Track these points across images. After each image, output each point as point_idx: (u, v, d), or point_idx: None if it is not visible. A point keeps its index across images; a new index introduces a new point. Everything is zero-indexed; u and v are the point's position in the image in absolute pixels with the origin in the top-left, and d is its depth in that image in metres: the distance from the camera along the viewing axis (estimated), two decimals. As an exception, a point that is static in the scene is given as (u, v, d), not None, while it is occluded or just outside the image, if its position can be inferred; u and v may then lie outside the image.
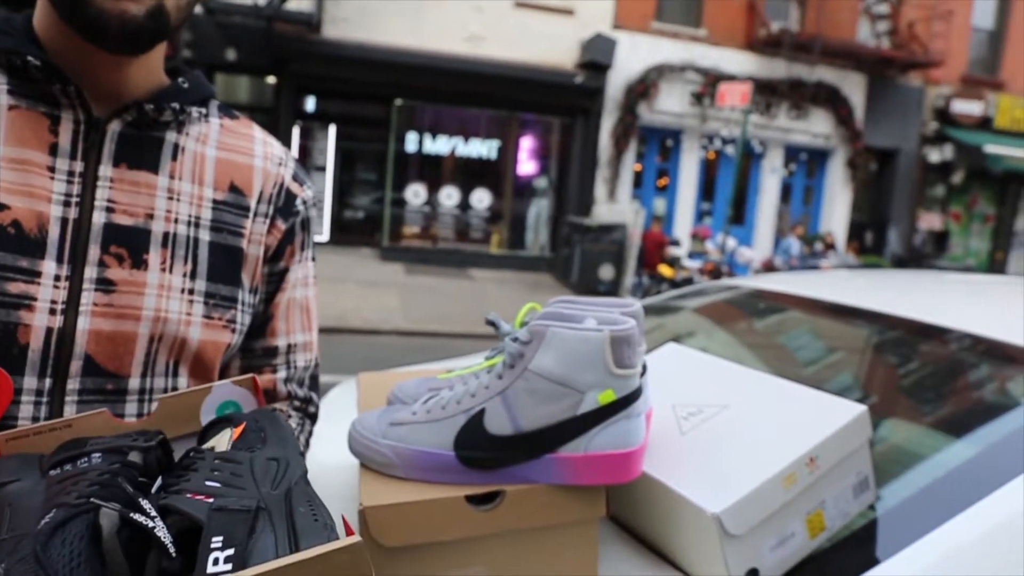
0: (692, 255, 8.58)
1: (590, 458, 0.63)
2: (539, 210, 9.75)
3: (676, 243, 8.15)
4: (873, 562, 0.72)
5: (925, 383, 1.09)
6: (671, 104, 9.43)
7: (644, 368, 0.73)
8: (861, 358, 1.24)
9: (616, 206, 8.92)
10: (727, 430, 0.76)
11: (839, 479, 0.75)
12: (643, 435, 0.66)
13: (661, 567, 0.75)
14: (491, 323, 0.72)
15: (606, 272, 8.07)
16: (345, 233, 9.33)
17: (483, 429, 0.64)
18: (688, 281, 7.27)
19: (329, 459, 1.00)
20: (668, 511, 0.71)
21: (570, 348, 0.62)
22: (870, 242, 10.76)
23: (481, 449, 0.64)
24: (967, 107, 10.62)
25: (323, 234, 9.22)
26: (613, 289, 8.03)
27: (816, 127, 10.08)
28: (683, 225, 9.85)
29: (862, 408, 0.75)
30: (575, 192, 9.37)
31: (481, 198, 9.56)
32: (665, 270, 7.62)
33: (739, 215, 10.20)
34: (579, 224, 8.39)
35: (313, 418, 0.73)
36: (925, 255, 10.88)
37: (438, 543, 0.65)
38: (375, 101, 8.91)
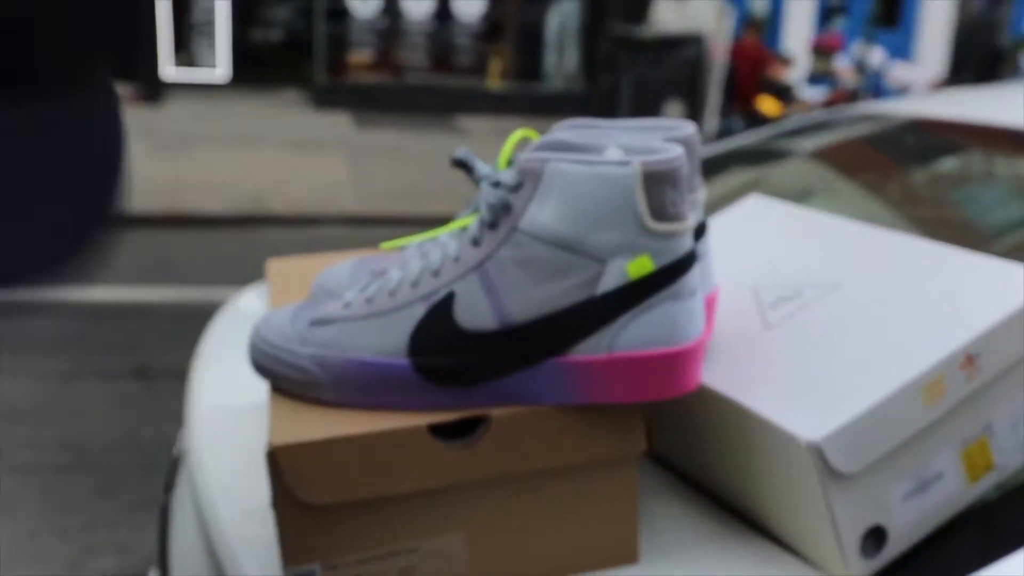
0: (813, 80, 8.40)
1: (617, 361, 0.63)
2: (563, 18, 9.54)
3: (786, 61, 7.97)
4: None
5: None
6: None
7: (703, 228, 0.72)
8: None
9: (686, 5, 8.68)
10: (836, 321, 0.77)
11: (1014, 391, 0.75)
12: (700, 326, 0.65)
13: (731, 528, 0.76)
14: (460, 163, 0.70)
15: (673, 111, 7.97)
16: (255, 67, 9.21)
17: (452, 323, 0.64)
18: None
19: (235, 402, 1.01)
20: (742, 443, 0.72)
21: (581, 192, 0.61)
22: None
23: (450, 353, 0.64)
24: None
25: (219, 69, 9.09)
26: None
27: None
28: (797, 33, 9.61)
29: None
30: (619, -13, 9.13)
31: (470, 2, 9.32)
32: (768, 105, 7.50)
33: (889, 14, 9.92)
34: (629, 38, 8.20)
35: None
36: None
37: (390, 499, 0.65)
38: None
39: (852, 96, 7.43)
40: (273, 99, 8.97)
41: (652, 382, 0.64)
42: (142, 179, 6.30)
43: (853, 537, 0.68)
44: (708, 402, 0.73)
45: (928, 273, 0.80)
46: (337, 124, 8.37)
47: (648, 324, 0.63)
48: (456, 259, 0.65)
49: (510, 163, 0.72)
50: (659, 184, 0.61)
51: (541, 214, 0.62)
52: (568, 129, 0.71)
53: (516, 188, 0.63)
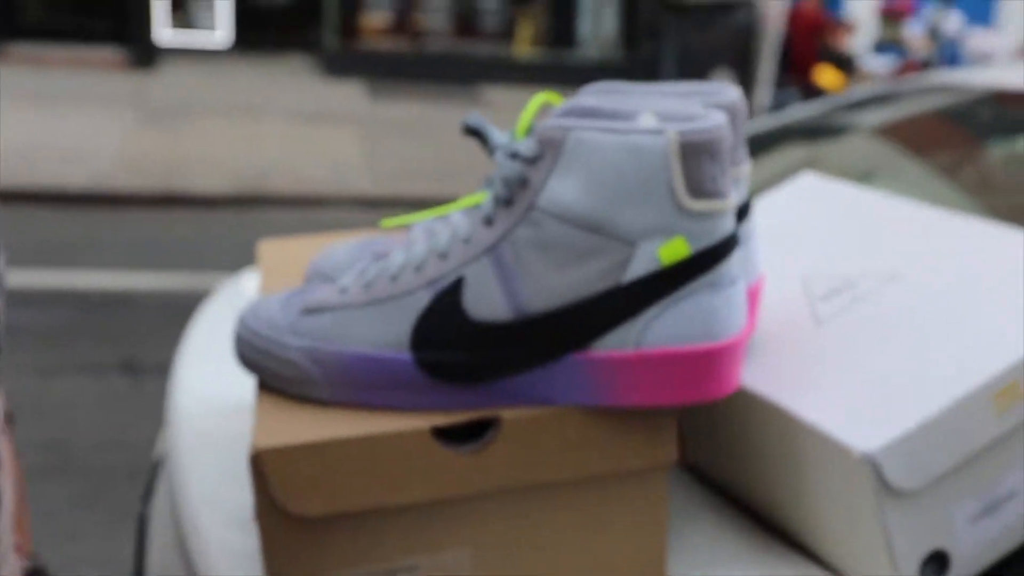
0: (880, 48, 8.34)
1: (646, 358, 0.62)
2: (601, -21, 9.54)
3: (849, 27, 7.93)
4: None
5: None
6: None
7: (746, 208, 0.71)
8: None
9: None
10: (895, 317, 0.76)
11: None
12: (742, 320, 0.64)
13: (769, 547, 0.76)
14: (472, 131, 0.70)
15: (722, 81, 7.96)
16: (259, 31, 9.25)
17: (461, 312, 0.64)
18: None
19: (222, 401, 1.02)
20: (786, 454, 0.71)
21: (608, 165, 0.60)
22: None
23: (457, 347, 0.64)
24: None
25: (219, 32, 9.14)
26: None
27: None
28: (861, -3, 9.54)
29: None
30: (662, -53, 9.12)
31: (495, -37, 9.35)
32: (828, 77, 7.46)
33: None
34: (674, 2, 8.20)
35: None
36: None
37: (388, 511, 0.65)
38: None
39: (924, 67, 7.38)
40: (279, 66, 9.03)
41: (686, 383, 0.63)
42: (132, 154, 6.36)
43: (912, 562, 0.67)
44: (749, 407, 0.73)
45: (1001, 264, 0.79)
46: (349, 95, 8.42)
47: (682, 316, 0.62)
48: (466, 240, 0.65)
49: (529, 132, 0.71)
50: (697, 156, 0.60)
51: (562, 190, 0.61)
52: (597, 94, 0.70)
53: (535, 160, 0.63)
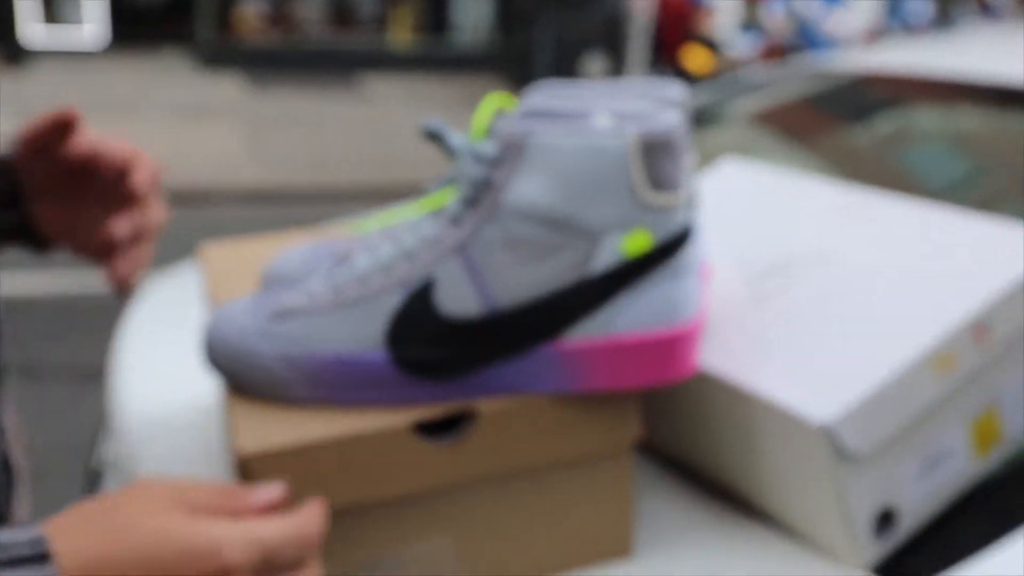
0: (743, 29, 8.51)
1: (614, 345, 0.66)
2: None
3: (709, 12, 8.07)
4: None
5: None
6: None
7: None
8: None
9: (608, -48, 8.73)
10: (832, 293, 0.79)
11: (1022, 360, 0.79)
12: (699, 304, 0.68)
13: (729, 516, 0.80)
14: (433, 135, 0.71)
15: (594, 67, 8.03)
16: (135, 25, 8.98)
17: (433, 311, 0.66)
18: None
19: (168, 405, 1.01)
20: (743, 428, 0.74)
21: (572, 164, 0.63)
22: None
23: (432, 344, 0.66)
24: None
25: (92, 27, 8.85)
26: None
27: None
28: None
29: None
30: (536, -70, 9.13)
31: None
32: (696, 58, 7.58)
33: None
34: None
35: None
36: None
37: (372, 504, 0.67)
38: None
39: (784, 49, 7.52)
40: (154, 61, 8.79)
41: (651, 366, 0.67)
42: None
43: (865, 520, 0.71)
44: (704, 386, 0.76)
45: (926, 239, 0.82)
46: (228, 89, 8.25)
47: (646, 304, 0.65)
48: (434, 241, 0.67)
49: (487, 133, 0.73)
50: (655, 153, 0.63)
51: (526, 189, 0.64)
52: (548, 94, 0.73)
53: (498, 161, 0.65)
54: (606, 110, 0.66)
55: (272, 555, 0.55)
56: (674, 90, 0.72)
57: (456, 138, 0.71)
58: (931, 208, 0.87)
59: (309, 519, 0.59)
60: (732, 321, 0.80)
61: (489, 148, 0.66)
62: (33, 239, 0.84)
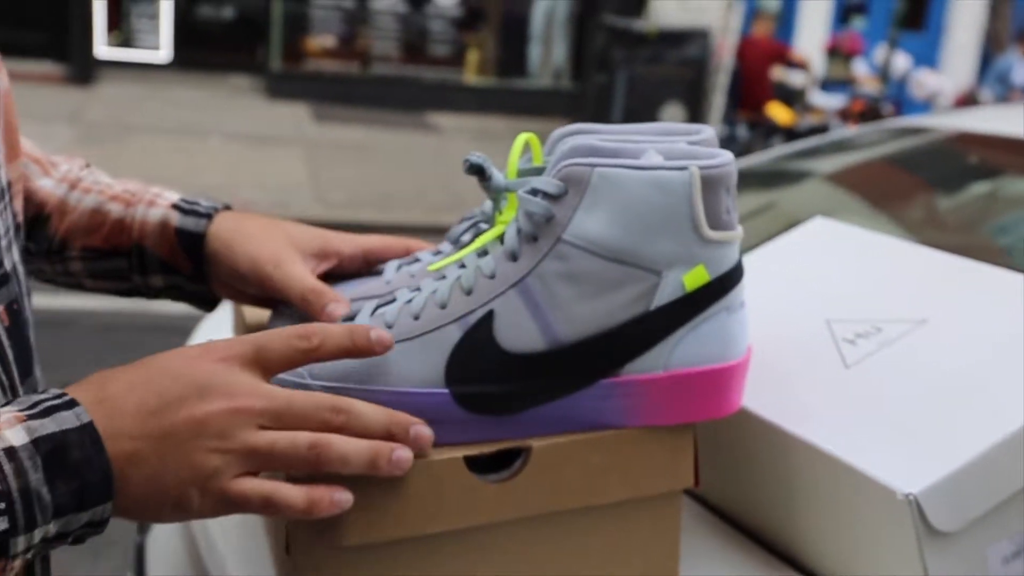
0: (828, 85, 8.43)
1: (674, 379, 0.67)
2: (551, 6, 9.54)
3: (798, 66, 8.03)
4: None
5: None
6: None
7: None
8: None
9: (691, -1, 8.72)
10: (926, 360, 0.79)
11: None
12: (748, 340, 0.70)
13: (781, 569, 0.79)
14: (476, 169, 0.72)
15: (672, 114, 7.93)
16: (201, 49, 9.16)
17: (495, 345, 0.67)
18: (821, 130, 7.04)
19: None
20: (822, 493, 0.74)
21: (635, 199, 0.64)
22: None
23: (494, 379, 0.66)
24: None
25: (160, 49, 9.04)
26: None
27: None
28: (811, 33, 9.66)
29: None
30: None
31: (448, -15, 9.35)
32: (778, 112, 7.51)
33: (916, 16, 9.97)
34: (626, 31, 8.20)
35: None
36: None
37: (418, 539, 0.67)
38: None
39: (872, 105, 7.43)
40: (221, 85, 8.92)
41: (705, 401, 0.68)
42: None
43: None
44: (782, 445, 0.75)
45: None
46: (293, 117, 8.34)
47: (704, 339, 0.67)
48: (491, 276, 0.67)
49: (519, 172, 0.74)
50: (715, 189, 0.65)
51: (590, 223, 0.65)
52: (584, 134, 0.73)
53: (559, 196, 0.65)
54: (651, 149, 0.67)
55: (287, 411, 0.59)
56: (705, 133, 0.74)
57: (499, 176, 0.72)
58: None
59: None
60: (815, 381, 0.80)
61: (548, 183, 0.66)
62: (204, 302, 0.87)
